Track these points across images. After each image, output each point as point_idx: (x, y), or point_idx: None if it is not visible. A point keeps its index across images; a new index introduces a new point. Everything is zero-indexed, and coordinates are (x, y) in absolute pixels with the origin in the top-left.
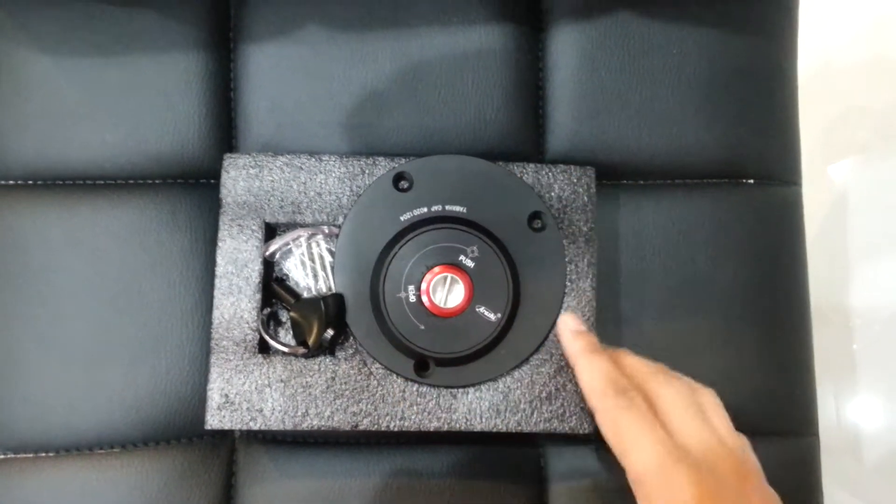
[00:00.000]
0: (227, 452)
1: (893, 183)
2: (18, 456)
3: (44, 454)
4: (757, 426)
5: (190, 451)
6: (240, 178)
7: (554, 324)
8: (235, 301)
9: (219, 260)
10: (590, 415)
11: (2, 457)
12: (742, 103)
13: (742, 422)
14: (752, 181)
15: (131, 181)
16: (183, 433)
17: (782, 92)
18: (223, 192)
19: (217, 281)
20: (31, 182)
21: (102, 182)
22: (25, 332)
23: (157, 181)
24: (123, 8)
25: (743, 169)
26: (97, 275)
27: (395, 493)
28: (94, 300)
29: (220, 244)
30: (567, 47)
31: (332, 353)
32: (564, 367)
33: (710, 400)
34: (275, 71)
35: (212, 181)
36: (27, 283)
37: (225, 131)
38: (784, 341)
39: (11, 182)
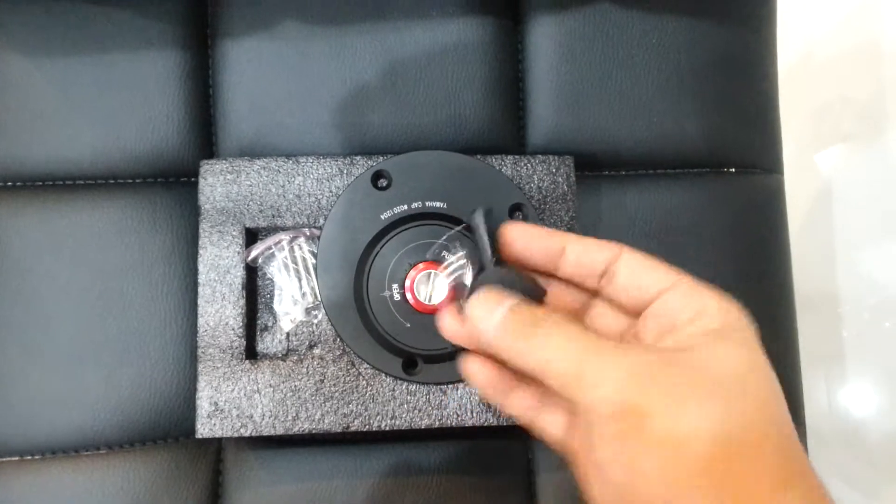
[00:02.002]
0: (213, 452)
1: (880, 170)
2: (3, 459)
3: (29, 457)
4: None
5: (176, 452)
6: (218, 185)
7: None
8: (220, 308)
9: (200, 268)
10: None
11: None
12: (722, 92)
13: None
14: (733, 170)
15: (111, 181)
16: (169, 434)
17: (762, 81)
18: (201, 198)
19: (200, 289)
20: (9, 184)
21: (82, 182)
22: (7, 335)
23: (136, 181)
24: (100, 6)
25: (724, 158)
26: (78, 276)
27: (384, 490)
28: (75, 302)
29: (200, 251)
30: (546, 39)
31: None
32: None
33: None
34: (253, 68)
35: (192, 179)
36: (7, 285)
37: (204, 129)
38: (768, 330)
39: None
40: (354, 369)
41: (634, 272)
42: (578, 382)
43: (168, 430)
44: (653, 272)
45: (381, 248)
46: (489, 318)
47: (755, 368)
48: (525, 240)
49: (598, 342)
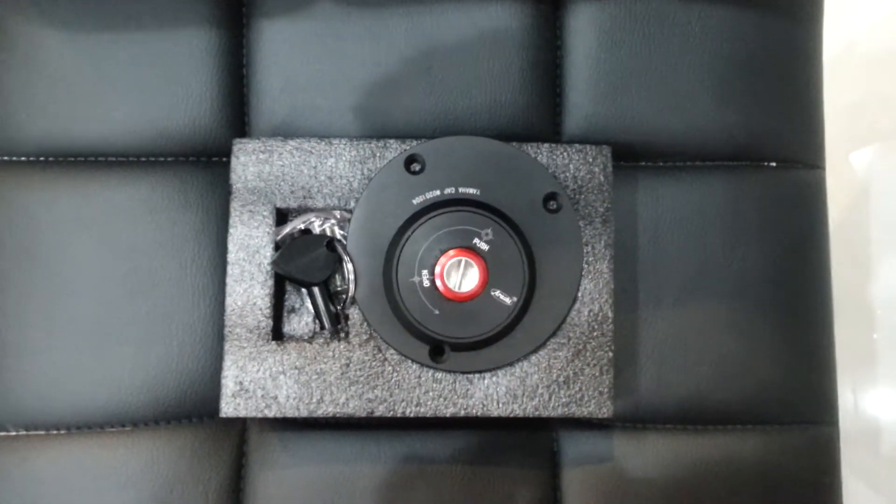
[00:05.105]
0: (237, 432)
1: None
2: (30, 433)
3: (55, 432)
4: (776, 415)
5: (201, 431)
6: (250, 164)
7: (571, 307)
8: (248, 288)
9: (230, 246)
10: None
11: (13, 434)
12: (765, 84)
13: (760, 410)
14: (773, 164)
15: (142, 158)
16: (194, 413)
17: (806, 73)
18: (233, 177)
19: (229, 268)
20: (41, 159)
21: (114, 159)
22: (36, 310)
23: (168, 159)
24: None
25: (764, 151)
26: (108, 253)
27: (406, 477)
28: (105, 279)
29: (230, 230)
30: (585, 25)
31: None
32: (582, 351)
33: None
34: (288, 48)
35: (223, 159)
36: (38, 261)
37: (237, 109)
38: (804, 328)
39: (23, 158)
40: (381, 354)
41: None
42: None
43: (193, 409)
44: None
45: (412, 234)
46: None
47: None
48: None
49: None
